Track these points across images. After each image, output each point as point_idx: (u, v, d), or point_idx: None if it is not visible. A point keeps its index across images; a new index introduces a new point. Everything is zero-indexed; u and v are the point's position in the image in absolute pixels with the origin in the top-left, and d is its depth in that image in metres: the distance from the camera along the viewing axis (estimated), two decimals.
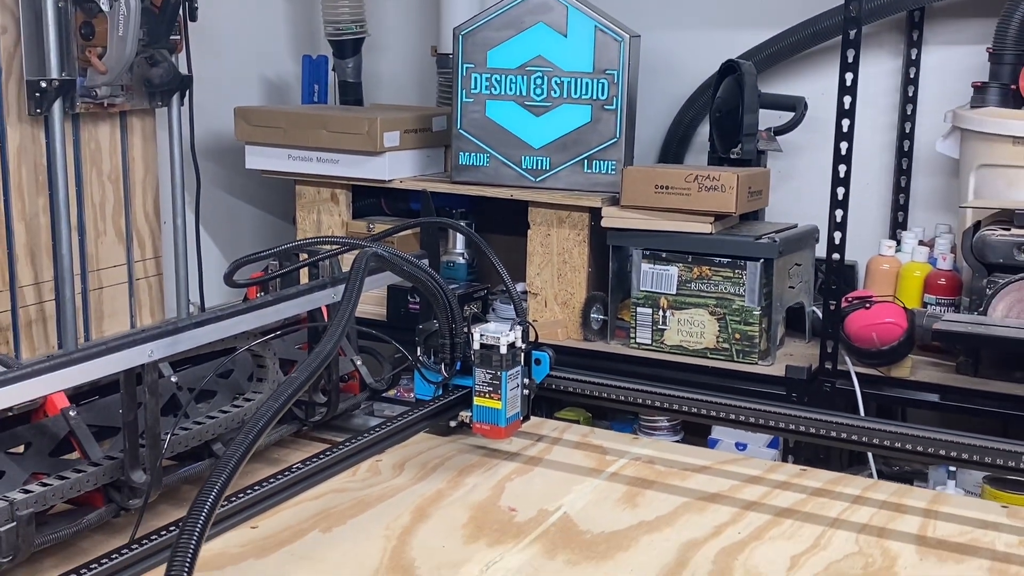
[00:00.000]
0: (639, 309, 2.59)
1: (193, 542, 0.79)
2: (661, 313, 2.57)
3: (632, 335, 2.61)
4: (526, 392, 1.45)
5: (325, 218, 2.89)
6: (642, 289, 2.58)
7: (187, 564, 0.79)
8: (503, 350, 1.38)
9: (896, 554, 1.20)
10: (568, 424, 1.57)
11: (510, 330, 1.40)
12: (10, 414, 1.22)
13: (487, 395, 1.40)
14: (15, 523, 1.11)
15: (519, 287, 2.65)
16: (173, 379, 1.40)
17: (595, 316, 2.68)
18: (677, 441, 2.57)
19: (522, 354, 1.42)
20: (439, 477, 1.37)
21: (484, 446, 1.47)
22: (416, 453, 1.45)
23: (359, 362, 1.64)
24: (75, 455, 1.27)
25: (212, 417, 1.37)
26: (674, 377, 2.41)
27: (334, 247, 1.49)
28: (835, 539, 1.23)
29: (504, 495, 1.32)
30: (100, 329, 2.63)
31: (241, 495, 1.17)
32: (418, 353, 1.51)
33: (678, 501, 1.32)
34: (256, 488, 1.19)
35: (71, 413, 1.27)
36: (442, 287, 1.42)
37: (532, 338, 1.45)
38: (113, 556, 1.00)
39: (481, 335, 1.40)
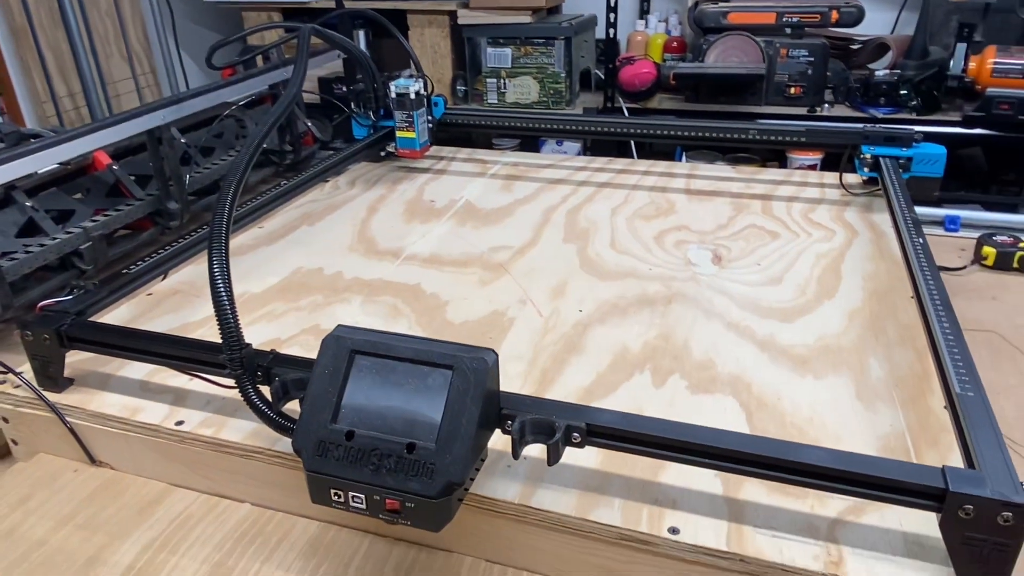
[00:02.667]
0: (487, 80, 2.44)
1: (224, 217, 0.67)
2: (502, 81, 2.43)
3: (485, 98, 2.47)
4: (430, 126, 1.33)
5: (266, 35, 2.56)
6: (489, 66, 2.42)
7: (223, 233, 0.66)
8: (412, 96, 1.25)
9: (674, 201, 1.18)
10: (459, 148, 1.47)
11: (415, 82, 1.26)
12: (68, 168, 1.05)
13: (405, 129, 1.28)
14: (91, 242, 0.98)
15: (406, 72, 2.44)
16: (182, 140, 1.23)
17: (460, 88, 2.51)
18: None
19: (425, 99, 1.29)
20: (380, 187, 1.27)
21: (406, 165, 1.37)
22: (361, 174, 1.34)
23: (310, 123, 1.49)
24: None
25: (215, 164, 1.24)
26: None
27: (284, 34, 1.29)
28: (636, 196, 1.20)
29: (425, 193, 1.24)
30: None
31: (248, 203, 1.05)
32: (352, 107, 1.36)
33: (537, 185, 1.26)
34: (259, 197, 1.07)
35: (114, 167, 1.11)
36: (365, 54, 1.26)
37: (430, 88, 1.32)
38: (166, 247, 0.88)
39: (395, 87, 1.26)
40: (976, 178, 2.36)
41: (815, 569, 0.51)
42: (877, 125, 1.15)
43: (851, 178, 1.20)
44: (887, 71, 2.20)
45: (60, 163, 0.98)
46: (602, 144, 2.30)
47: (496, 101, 2.44)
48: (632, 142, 2.24)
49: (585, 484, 0.59)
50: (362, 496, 0.52)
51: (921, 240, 0.83)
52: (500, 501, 0.58)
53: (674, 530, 0.54)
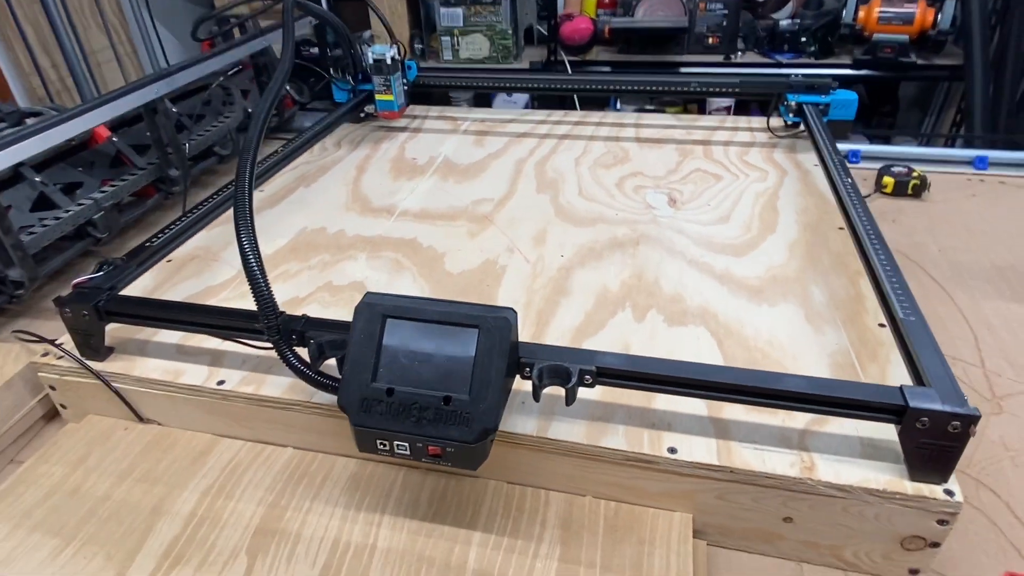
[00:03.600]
0: (443, 38, 2.29)
1: (245, 195, 0.61)
2: (456, 39, 2.29)
3: (440, 55, 2.33)
4: (405, 88, 1.25)
5: (237, 10, 2.33)
6: (443, 25, 2.27)
7: (246, 211, 0.60)
8: (389, 61, 1.16)
9: (627, 149, 1.14)
10: (431, 107, 1.38)
11: (390, 48, 1.17)
12: (72, 143, 0.95)
13: (383, 92, 1.20)
14: (103, 211, 0.90)
15: (367, 33, 2.28)
16: (175, 111, 1.12)
17: (417, 45, 2.37)
18: None
19: (400, 63, 1.20)
20: (365, 147, 1.20)
21: (386, 126, 1.28)
22: (345, 135, 1.25)
23: (289, 87, 1.38)
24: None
25: (208, 130, 1.13)
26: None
27: (264, 3, 1.17)
28: (593, 147, 1.16)
29: (407, 151, 1.17)
30: None
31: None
32: (332, 72, 1.26)
33: (505, 140, 1.21)
34: (261, 164, 0.99)
35: (114, 139, 1.01)
36: (342, 24, 1.16)
37: (402, 53, 1.23)
38: (177, 223, 0.81)
39: (373, 53, 1.17)
40: (859, 112, 2.38)
41: (793, 475, 0.52)
42: (797, 74, 1.12)
43: (774, 122, 1.18)
44: (790, 21, 2.16)
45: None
46: (550, 96, 2.21)
47: (451, 58, 2.31)
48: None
49: (592, 415, 0.58)
50: (406, 444, 0.50)
51: (850, 180, 0.83)
52: (520, 434, 0.57)
53: (672, 450, 0.54)
